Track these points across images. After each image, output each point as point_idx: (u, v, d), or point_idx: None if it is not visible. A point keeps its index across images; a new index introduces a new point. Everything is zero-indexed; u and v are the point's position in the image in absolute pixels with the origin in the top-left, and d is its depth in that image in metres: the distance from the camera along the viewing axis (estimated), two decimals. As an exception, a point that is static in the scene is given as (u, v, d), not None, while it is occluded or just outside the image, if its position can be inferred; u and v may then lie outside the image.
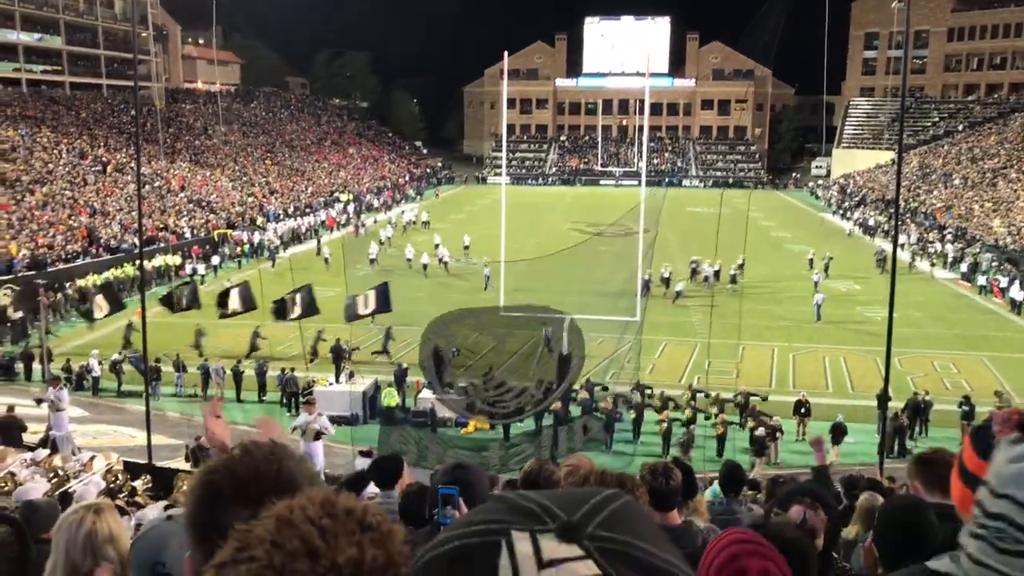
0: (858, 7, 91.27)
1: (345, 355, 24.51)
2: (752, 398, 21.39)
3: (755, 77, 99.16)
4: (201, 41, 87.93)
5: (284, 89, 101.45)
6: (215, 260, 41.82)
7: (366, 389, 23.06)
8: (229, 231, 47.06)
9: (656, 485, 3.76)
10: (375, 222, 57.66)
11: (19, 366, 25.93)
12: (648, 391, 22.28)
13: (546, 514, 0.71)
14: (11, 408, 17.23)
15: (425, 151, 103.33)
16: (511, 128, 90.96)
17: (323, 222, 56.05)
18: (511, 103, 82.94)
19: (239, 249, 45.22)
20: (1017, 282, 35.73)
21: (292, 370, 23.80)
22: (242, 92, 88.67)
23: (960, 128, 78.16)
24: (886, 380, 15.91)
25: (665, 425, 20.36)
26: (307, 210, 58.21)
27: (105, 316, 24.40)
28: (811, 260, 41.29)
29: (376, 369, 25.19)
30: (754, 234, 54.81)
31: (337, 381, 23.89)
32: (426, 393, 22.80)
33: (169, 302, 24.20)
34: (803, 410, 20.98)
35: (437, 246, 44.51)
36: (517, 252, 40.38)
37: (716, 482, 7.76)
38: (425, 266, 41.43)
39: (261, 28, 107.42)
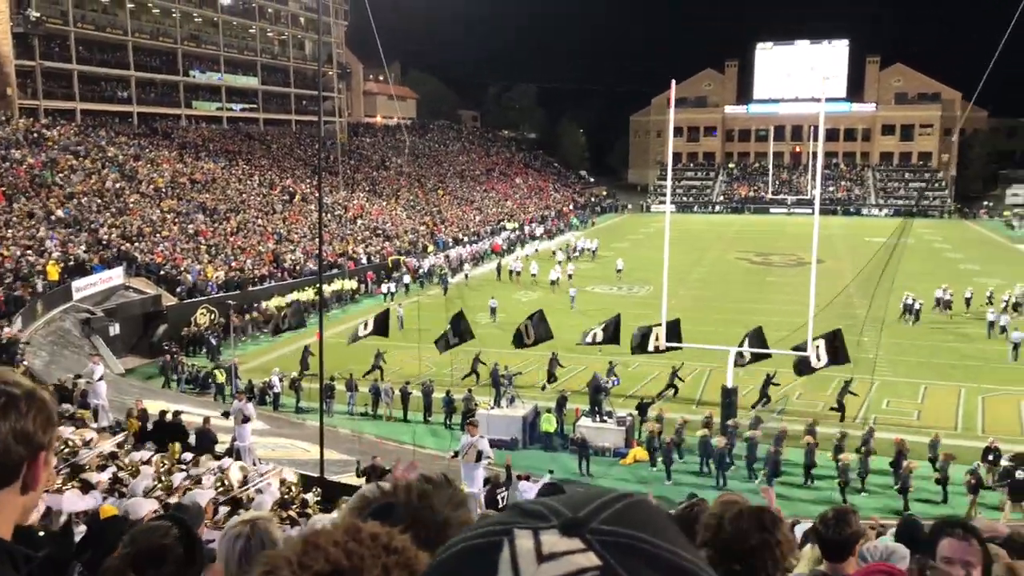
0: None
1: (506, 381, 24.94)
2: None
3: (942, 100, 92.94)
4: (381, 78, 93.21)
5: (456, 122, 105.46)
6: (390, 286, 43.76)
7: (526, 414, 23.34)
8: (402, 257, 49.25)
9: (827, 534, 3.59)
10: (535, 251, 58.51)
11: (218, 378, 27.49)
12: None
13: (552, 513, 0.73)
14: (207, 420, 18.71)
15: (592, 180, 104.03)
16: (677, 156, 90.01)
17: (490, 249, 57.62)
18: (678, 131, 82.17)
19: (409, 275, 47.18)
20: None
21: (469, 391, 24.50)
22: (417, 125, 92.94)
23: None
24: None
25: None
26: (475, 238, 59.96)
27: (366, 336, 25.69)
28: (990, 296, 37.79)
29: (537, 394, 25.48)
30: (941, 266, 51.29)
31: (498, 405, 24.33)
32: (584, 421, 22.78)
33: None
34: (991, 457, 19.23)
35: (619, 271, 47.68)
36: (680, 281, 39.83)
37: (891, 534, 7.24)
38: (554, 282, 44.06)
39: (437, 65, 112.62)
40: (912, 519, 6.76)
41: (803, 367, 23.65)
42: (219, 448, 17.65)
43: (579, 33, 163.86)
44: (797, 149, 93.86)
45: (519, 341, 24.98)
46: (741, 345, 24.49)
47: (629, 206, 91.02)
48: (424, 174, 75.12)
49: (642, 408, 23.21)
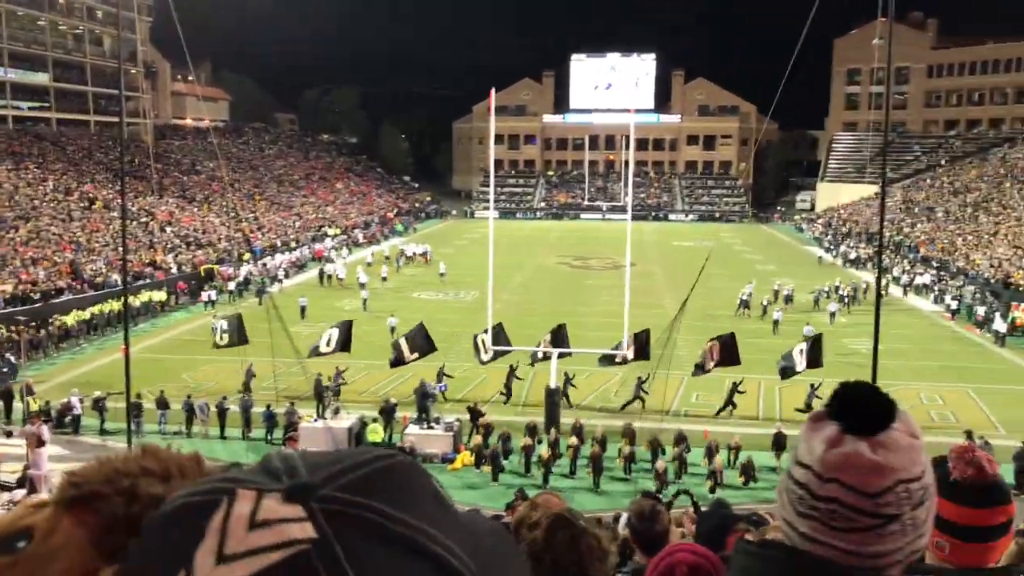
0: (840, 44, 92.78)
1: (329, 391, 24.32)
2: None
3: (739, 113, 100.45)
4: (191, 78, 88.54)
5: (273, 125, 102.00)
6: (210, 294, 41.60)
7: (351, 425, 22.85)
8: (216, 266, 46.95)
9: (639, 527, 3.71)
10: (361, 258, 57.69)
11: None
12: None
13: (288, 473, 0.67)
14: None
15: (416, 185, 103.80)
16: (499, 163, 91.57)
17: (313, 256, 56.12)
18: (499, 139, 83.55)
19: (226, 284, 45.05)
20: (998, 314, 36.01)
21: (291, 404, 23.53)
22: (231, 128, 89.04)
23: (942, 163, 79.22)
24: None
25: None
26: (294, 245, 58.18)
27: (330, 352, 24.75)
28: (776, 292, 41.53)
29: (364, 404, 25.02)
30: (742, 267, 55.23)
31: (321, 417, 23.67)
32: (412, 428, 22.62)
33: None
34: (781, 443, 21.04)
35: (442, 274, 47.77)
36: (504, 286, 40.52)
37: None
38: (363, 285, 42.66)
39: (250, 65, 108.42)
40: (720, 502, 7.19)
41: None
42: (9, 477, 16.05)
43: (401, 38, 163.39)
44: (610, 157, 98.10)
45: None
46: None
47: (453, 212, 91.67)
48: (239, 179, 72.08)
49: (473, 413, 23.29)
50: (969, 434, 20.32)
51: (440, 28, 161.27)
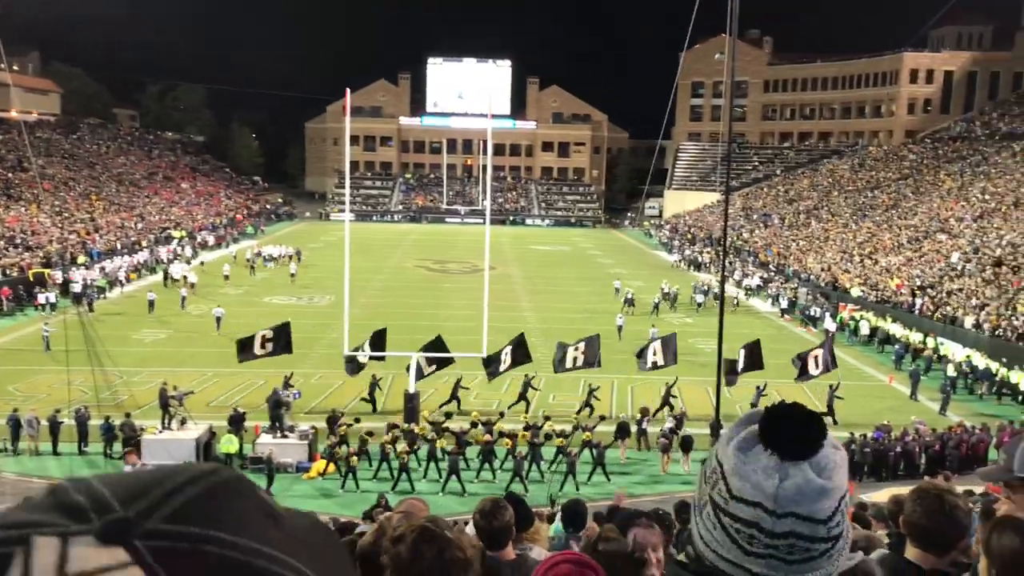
0: (685, 57, 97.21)
1: (175, 400, 23.06)
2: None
3: (592, 121, 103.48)
4: (16, 68, 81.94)
5: (111, 121, 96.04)
6: (48, 296, 38.68)
7: (199, 436, 21.77)
8: (47, 271, 43.62)
9: (483, 525, 3.76)
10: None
11: None
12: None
13: (96, 509, 0.55)
14: None
15: (266, 186, 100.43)
16: (355, 165, 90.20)
17: (158, 260, 53.17)
18: (354, 140, 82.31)
19: (58, 289, 41.96)
20: (828, 314, 38.76)
21: (127, 415, 22.09)
22: (64, 123, 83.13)
23: (777, 172, 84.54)
24: (717, 408, 16.71)
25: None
26: (136, 248, 54.93)
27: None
28: (616, 289, 44.14)
29: (212, 414, 23.89)
30: (595, 270, 56.85)
31: (167, 428, 22.41)
32: (265, 438, 21.81)
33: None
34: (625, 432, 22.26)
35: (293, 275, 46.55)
36: (361, 290, 39.86)
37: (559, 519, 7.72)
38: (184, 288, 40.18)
39: (86, 57, 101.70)
40: (575, 501, 7.32)
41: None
42: None
43: (250, 35, 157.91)
44: (468, 162, 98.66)
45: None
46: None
47: (307, 214, 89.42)
48: (74, 177, 67.38)
49: (331, 420, 22.70)
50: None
51: (292, 26, 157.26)
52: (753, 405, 24.13)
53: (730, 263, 52.39)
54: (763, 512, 1.07)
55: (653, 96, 63.60)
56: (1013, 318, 32.71)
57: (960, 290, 38.30)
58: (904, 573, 2.73)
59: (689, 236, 70.50)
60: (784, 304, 43.22)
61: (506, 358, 24.87)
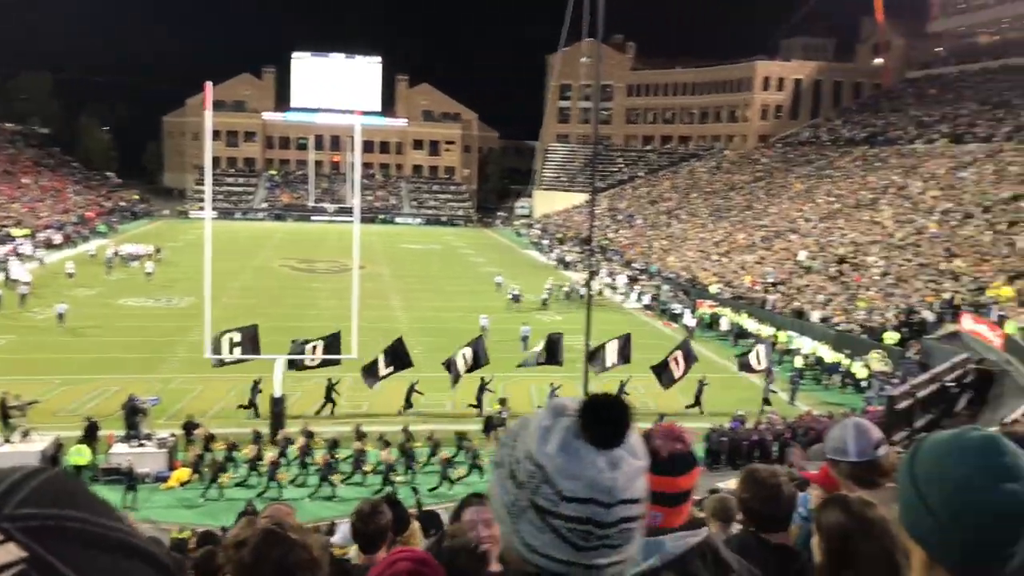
0: (553, 59, 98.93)
1: (17, 411, 21.53)
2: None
3: (462, 120, 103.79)
4: None
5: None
6: None
7: (44, 448, 20.39)
8: None
9: (360, 527, 3.73)
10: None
11: None
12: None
13: None
14: None
15: (120, 182, 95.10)
16: (216, 161, 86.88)
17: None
18: (216, 134, 79.22)
19: None
20: (688, 311, 40.46)
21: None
22: None
23: (641, 174, 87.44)
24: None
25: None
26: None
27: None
28: (498, 284, 45.05)
29: (61, 424, 22.42)
30: (467, 269, 57.09)
31: (8, 441, 20.86)
32: (120, 447, 20.68)
33: None
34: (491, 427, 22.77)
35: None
36: (224, 290, 38.43)
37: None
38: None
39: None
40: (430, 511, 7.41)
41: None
42: None
43: (103, 24, 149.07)
44: (336, 158, 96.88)
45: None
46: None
47: (166, 211, 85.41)
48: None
49: (188, 427, 21.79)
50: (661, 417, 22.77)
51: (150, 14, 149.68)
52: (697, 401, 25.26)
53: (597, 262, 53.80)
54: (597, 506, 1.09)
55: (522, 97, 64.60)
56: (855, 313, 35.16)
57: (808, 286, 40.80)
58: (752, 547, 2.90)
59: (559, 236, 71.87)
60: (647, 301, 44.82)
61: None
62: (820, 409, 26.32)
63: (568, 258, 61.37)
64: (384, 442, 20.88)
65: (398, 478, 20.09)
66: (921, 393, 22.23)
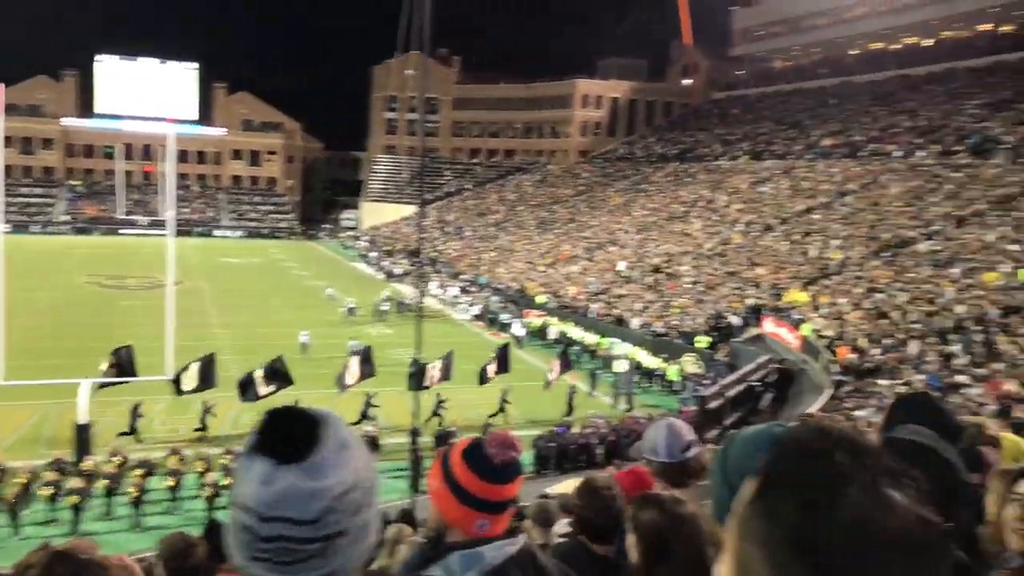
0: (378, 71, 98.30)
1: None
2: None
3: (284, 130, 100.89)
4: None
5: None
6: None
7: None
8: None
9: (174, 566, 3.48)
10: None
11: None
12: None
13: None
14: None
15: None
16: (9, 169, 79.53)
17: None
18: (8, 141, 72.57)
19: None
20: (517, 320, 41.26)
21: None
22: None
23: (469, 187, 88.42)
24: (415, 415, 17.04)
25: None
26: None
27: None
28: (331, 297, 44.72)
29: None
30: (291, 283, 55.41)
31: None
32: None
33: None
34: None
35: None
36: (22, 310, 35.20)
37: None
38: None
39: None
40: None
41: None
42: None
43: None
44: (148, 169, 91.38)
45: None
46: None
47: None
48: None
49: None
50: (487, 427, 23.10)
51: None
52: (435, 414, 25.09)
53: (427, 274, 53.79)
54: (253, 517, 1.09)
55: (348, 108, 63.55)
56: (670, 319, 37.16)
57: (627, 295, 42.71)
58: (578, 555, 2.97)
59: (387, 248, 71.28)
60: (477, 312, 45.30)
61: (265, 383, 23.24)
62: (641, 412, 27.53)
63: (397, 270, 60.96)
64: (206, 464, 19.82)
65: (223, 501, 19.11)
66: (730, 393, 23.82)
